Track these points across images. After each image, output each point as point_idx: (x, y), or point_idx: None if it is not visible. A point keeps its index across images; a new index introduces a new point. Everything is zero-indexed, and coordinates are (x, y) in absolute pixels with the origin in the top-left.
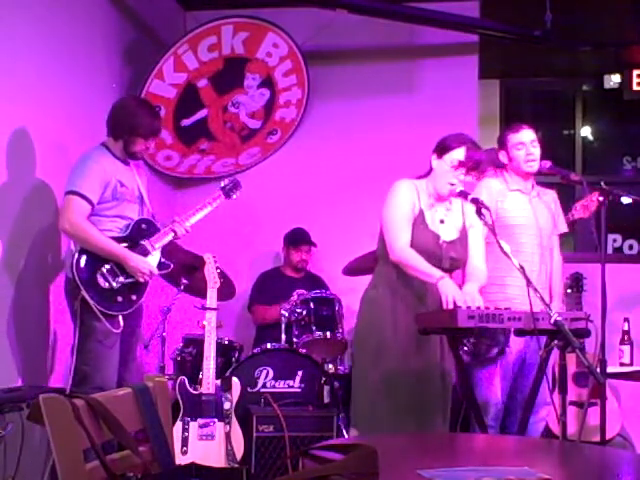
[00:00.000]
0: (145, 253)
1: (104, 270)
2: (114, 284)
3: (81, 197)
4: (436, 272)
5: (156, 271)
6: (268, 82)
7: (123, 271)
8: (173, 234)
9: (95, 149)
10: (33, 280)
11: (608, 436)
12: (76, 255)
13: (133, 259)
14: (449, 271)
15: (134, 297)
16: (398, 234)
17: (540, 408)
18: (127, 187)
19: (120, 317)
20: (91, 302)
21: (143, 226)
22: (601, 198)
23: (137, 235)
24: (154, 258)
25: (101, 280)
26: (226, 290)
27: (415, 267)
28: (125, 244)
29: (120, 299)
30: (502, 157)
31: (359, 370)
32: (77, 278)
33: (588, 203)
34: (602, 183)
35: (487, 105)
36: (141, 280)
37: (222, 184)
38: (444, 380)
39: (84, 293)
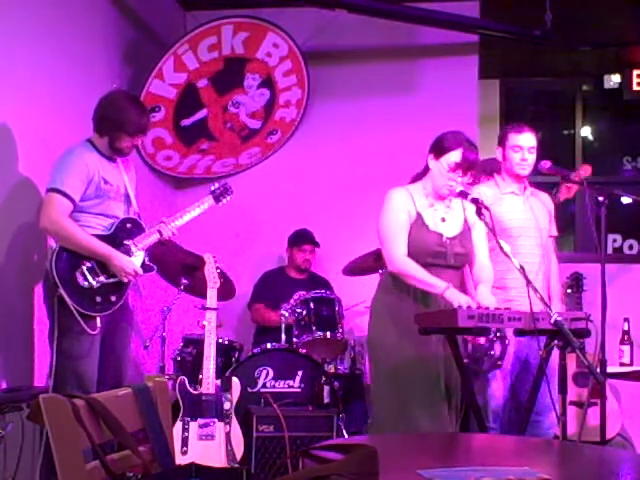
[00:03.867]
0: (128, 253)
1: (84, 268)
2: (94, 283)
3: (62, 195)
4: (440, 283)
5: (141, 271)
6: (268, 82)
7: (104, 270)
8: (158, 235)
9: (79, 145)
10: (16, 278)
11: (608, 436)
12: (56, 252)
13: (117, 258)
14: (456, 267)
15: (113, 298)
16: (395, 245)
17: (548, 412)
18: (111, 184)
19: (98, 318)
20: (68, 301)
21: (128, 225)
22: (601, 198)
23: (121, 234)
24: (137, 259)
25: (80, 279)
26: (226, 290)
27: (416, 278)
28: (108, 243)
29: (99, 299)
30: (498, 154)
31: (378, 384)
32: (55, 275)
33: (571, 185)
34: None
35: (487, 105)
36: (125, 280)
37: (212, 188)
38: (454, 378)
39: (61, 291)
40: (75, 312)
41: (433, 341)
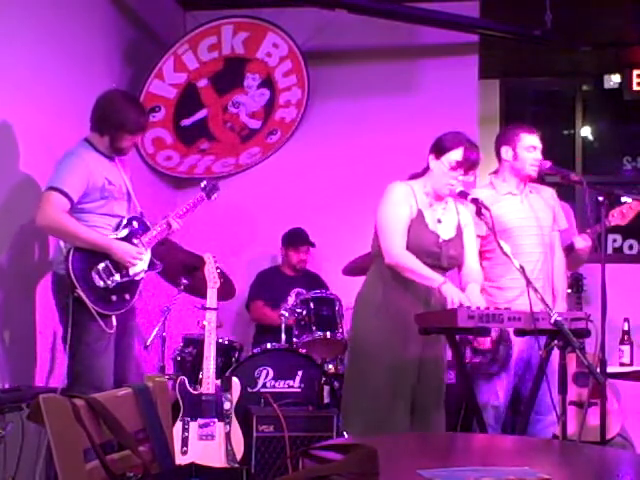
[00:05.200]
0: None
1: (100, 268)
2: (109, 283)
3: (60, 193)
4: (437, 277)
5: (143, 252)
6: (268, 82)
7: (118, 270)
8: (168, 227)
9: (79, 146)
10: (18, 278)
11: (608, 436)
12: (71, 252)
13: (117, 247)
14: (447, 269)
15: (127, 296)
16: (394, 237)
17: (550, 412)
18: (114, 184)
19: (113, 317)
20: (87, 301)
21: (134, 224)
22: (601, 198)
23: (130, 234)
24: (146, 257)
25: (96, 279)
26: (226, 290)
27: (414, 271)
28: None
29: (115, 298)
30: (505, 153)
31: (354, 371)
32: (73, 276)
33: (627, 211)
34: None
35: (487, 105)
36: (129, 265)
37: (202, 185)
38: (437, 375)
39: (80, 292)
40: (94, 312)
41: (427, 340)
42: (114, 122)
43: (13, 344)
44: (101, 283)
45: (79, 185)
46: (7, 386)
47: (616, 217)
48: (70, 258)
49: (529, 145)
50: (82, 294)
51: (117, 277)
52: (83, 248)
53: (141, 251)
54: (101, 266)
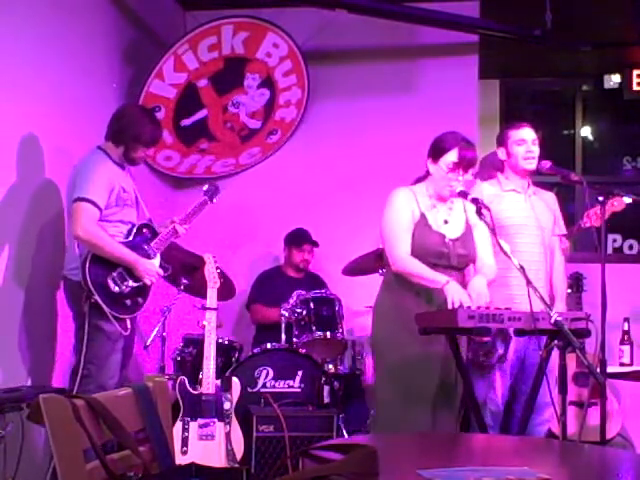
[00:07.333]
0: (149, 257)
1: (114, 275)
2: (123, 288)
3: (90, 203)
4: (441, 278)
5: (162, 273)
6: (268, 82)
7: (131, 275)
8: (175, 233)
9: (96, 154)
10: (40, 280)
11: (608, 436)
12: (88, 260)
13: (142, 264)
14: (458, 269)
15: (140, 300)
16: (397, 244)
17: (543, 410)
18: (128, 192)
19: (128, 320)
20: (104, 307)
21: (144, 231)
22: (601, 198)
23: (140, 240)
24: (155, 261)
25: (112, 285)
26: (226, 290)
27: (419, 275)
28: (129, 249)
29: (129, 302)
30: (501, 154)
31: (378, 379)
32: (89, 283)
33: (600, 212)
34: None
35: (487, 105)
36: (148, 283)
37: (204, 188)
38: (456, 377)
39: (97, 298)
40: (111, 317)
41: (438, 340)
42: (130, 134)
43: (36, 344)
44: (116, 289)
45: (104, 193)
46: (29, 384)
47: (586, 222)
48: (88, 266)
49: (517, 139)
50: (99, 300)
51: (130, 282)
52: (99, 256)
53: (160, 271)
54: (116, 273)
